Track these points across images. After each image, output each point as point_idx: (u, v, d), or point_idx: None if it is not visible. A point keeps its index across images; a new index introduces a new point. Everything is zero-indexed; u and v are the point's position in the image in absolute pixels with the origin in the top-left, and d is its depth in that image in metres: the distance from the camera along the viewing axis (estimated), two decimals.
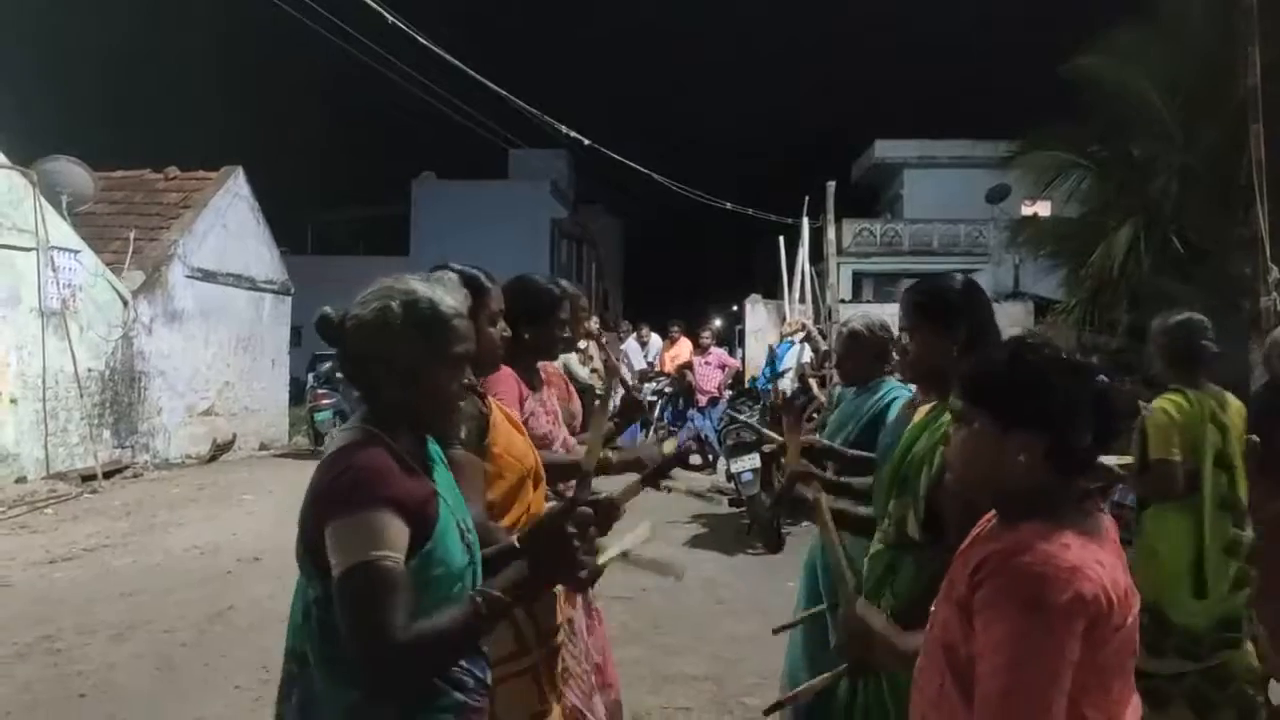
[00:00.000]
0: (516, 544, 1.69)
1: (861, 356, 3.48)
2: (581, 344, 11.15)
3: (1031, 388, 1.51)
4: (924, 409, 2.44)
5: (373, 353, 1.61)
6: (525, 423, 2.57)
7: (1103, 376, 1.55)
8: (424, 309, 1.62)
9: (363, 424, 1.62)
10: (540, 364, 3.00)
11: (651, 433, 13.01)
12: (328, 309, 1.67)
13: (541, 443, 2.65)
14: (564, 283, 3.24)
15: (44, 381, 9.84)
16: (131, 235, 11.89)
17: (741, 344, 18.74)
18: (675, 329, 13.10)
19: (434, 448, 1.75)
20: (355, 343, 1.62)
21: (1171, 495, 3.39)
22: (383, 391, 1.62)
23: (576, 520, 1.58)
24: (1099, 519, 1.53)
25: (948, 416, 2.20)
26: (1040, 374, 1.52)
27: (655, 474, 2.72)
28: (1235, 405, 3.59)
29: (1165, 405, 3.42)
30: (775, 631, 2.83)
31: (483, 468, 2.20)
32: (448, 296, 1.67)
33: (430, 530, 1.55)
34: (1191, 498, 3.39)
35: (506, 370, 2.63)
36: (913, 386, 2.72)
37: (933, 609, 1.63)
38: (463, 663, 1.61)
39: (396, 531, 1.48)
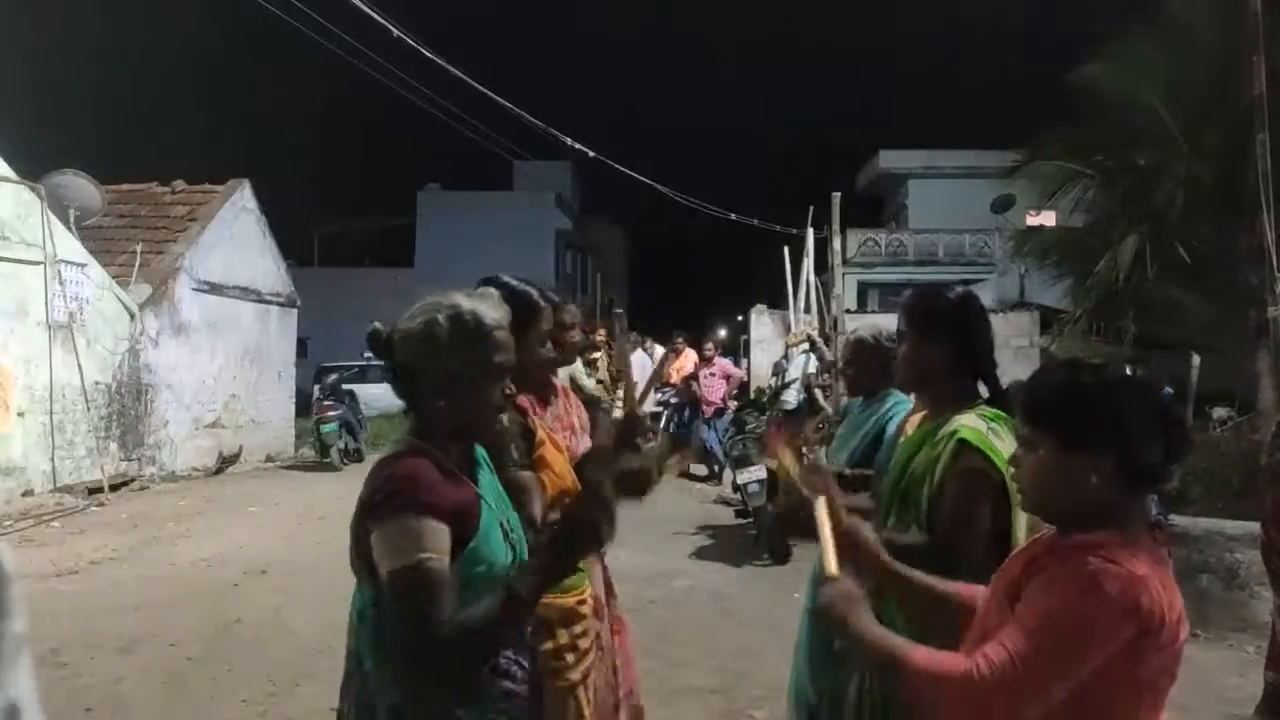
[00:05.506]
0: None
1: (867, 365, 3.44)
2: (595, 354, 11.14)
3: (1092, 410, 1.49)
4: (915, 420, 2.43)
5: (419, 364, 1.70)
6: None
7: (1168, 390, 1.53)
8: (467, 321, 1.70)
9: (409, 435, 1.72)
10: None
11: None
12: (377, 324, 1.76)
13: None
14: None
15: (51, 394, 9.86)
16: (138, 248, 11.93)
17: (747, 354, 18.71)
18: (680, 340, 13.08)
19: (480, 453, 1.83)
20: (403, 355, 1.71)
21: None
22: (428, 401, 1.70)
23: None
24: (1163, 549, 1.52)
25: (947, 429, 2.18)
26: (1100, 395, 1.51)
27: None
28: None
29: None
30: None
31: (538, 484, 2.23)
32: (490, 310, 1.75)
33: (472, 533, 1.64)
34: None
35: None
36: (913, 397, 2.70)
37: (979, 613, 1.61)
38: (510, 653, 1.68)
39: (436, 533, 1.57)
